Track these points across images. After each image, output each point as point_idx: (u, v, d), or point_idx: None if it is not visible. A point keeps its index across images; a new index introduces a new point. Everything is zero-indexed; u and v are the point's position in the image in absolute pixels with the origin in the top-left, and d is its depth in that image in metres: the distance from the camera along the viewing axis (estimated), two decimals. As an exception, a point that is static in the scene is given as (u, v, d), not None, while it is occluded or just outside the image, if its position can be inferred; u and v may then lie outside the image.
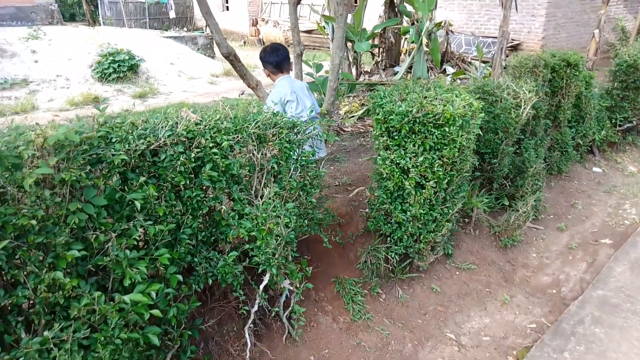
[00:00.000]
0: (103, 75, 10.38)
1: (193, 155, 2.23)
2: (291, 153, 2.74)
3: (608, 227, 5.11)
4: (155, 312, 1.98)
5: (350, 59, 8.85)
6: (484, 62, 8.51)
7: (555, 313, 3.79)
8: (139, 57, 11.07)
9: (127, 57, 10.61)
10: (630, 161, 6.83)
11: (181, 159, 2.20)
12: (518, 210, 4.57)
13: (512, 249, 4.59)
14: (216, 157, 2.29)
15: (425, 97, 3.18)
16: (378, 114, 3.11)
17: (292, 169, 2.71)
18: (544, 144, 5.31)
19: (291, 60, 3.95)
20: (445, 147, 3.11)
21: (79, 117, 2.10)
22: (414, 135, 3.08)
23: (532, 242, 4.81)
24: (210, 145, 2.27)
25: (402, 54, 10.58)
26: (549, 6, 12.01)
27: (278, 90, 3.68)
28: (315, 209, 3.08)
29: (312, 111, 3.42)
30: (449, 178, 3.29)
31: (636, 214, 5.31)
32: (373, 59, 10.13)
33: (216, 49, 17.70)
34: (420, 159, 3.09)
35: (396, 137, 3.12)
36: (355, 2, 9.27)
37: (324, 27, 8.98)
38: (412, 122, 3.01)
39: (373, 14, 10.86)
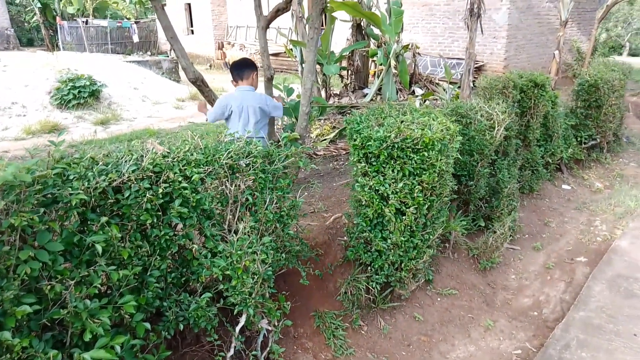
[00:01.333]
0: (62, 102, 9.95)
1: (160, 190, 2.05)
2: (266, 183, 2.59)
3: (582, 244, 5.13)
4: (120, 369, 1.76)
5: (320, 82, 8.83)
6: (452, 83, 8.63)
7: (539, 337, 3.72)
8: (101, 83, 10.71)
9: (87, 83, 10.23)
10: (596, 177, 6.97)
11: (147, 195, 2.01)
12: (495, 232, 4.53)
13: (491, 271, 4.53)
14: (186, 191, 2.11)
15: (403, 122, 3.09)
16: (355, 140, 3.00)
17: (267, 200, 2.55)
18: (516, 163, 5.34)
19: (256, 72, 4.14)
20: (424, 172, 3.02)
21: (32, 152, 1.90)
22: (392, 161, 2.98)
23: (510, 263, 4.77)
24: (180, 179, 2.09)
25: (371, 76, 10.65)
26: (509, 28, 12.40)
27: (225, 96, 4.08)
28: (293, 241, 2.92)
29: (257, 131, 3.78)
30: (429, 203, 3.19)
31: (607, 231, 5.37)
32: (342, 82, 10.16)
33: (182, 73, 17.44)
34: (400, 185, 2.98)
35: (374, 163, 3.01)
36: (323, 25, 9.29)
37: (291, 49, 8.95)
38: (390, 147, 2.91)
39: (340, 37, 10.94)
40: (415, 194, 3.05)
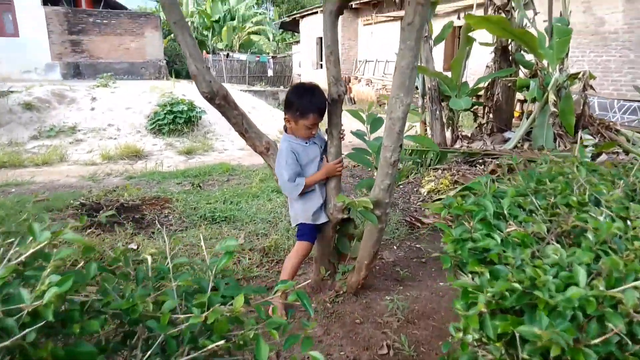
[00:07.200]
0: (156, 127, 9.18)
1: None
2: None
3: None
4: None
5: (445, 119, 6.68)
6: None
7: None
8: (201, 109, 9.81)
9: (185, 108, 9.36)
10: None
11: None
12: None
13: None
14: None
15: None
16: None
17: None
18: None
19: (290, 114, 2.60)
20: None
21: None
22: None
23: None
24: None
25: (515, 118, 8.16)
26: None
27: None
28: None
29: None
30: None
31: None
32: (475, 121, 7.83)
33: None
34: None
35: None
36: (454, 48, 7.21)
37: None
38: None
39: (479, 64, 8.67)
40: None
